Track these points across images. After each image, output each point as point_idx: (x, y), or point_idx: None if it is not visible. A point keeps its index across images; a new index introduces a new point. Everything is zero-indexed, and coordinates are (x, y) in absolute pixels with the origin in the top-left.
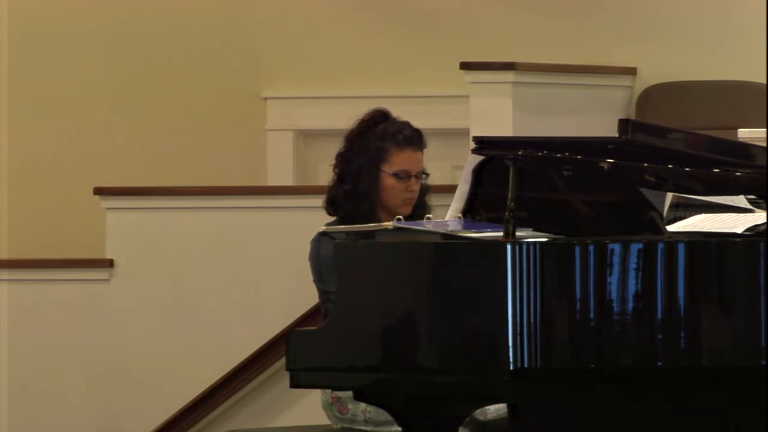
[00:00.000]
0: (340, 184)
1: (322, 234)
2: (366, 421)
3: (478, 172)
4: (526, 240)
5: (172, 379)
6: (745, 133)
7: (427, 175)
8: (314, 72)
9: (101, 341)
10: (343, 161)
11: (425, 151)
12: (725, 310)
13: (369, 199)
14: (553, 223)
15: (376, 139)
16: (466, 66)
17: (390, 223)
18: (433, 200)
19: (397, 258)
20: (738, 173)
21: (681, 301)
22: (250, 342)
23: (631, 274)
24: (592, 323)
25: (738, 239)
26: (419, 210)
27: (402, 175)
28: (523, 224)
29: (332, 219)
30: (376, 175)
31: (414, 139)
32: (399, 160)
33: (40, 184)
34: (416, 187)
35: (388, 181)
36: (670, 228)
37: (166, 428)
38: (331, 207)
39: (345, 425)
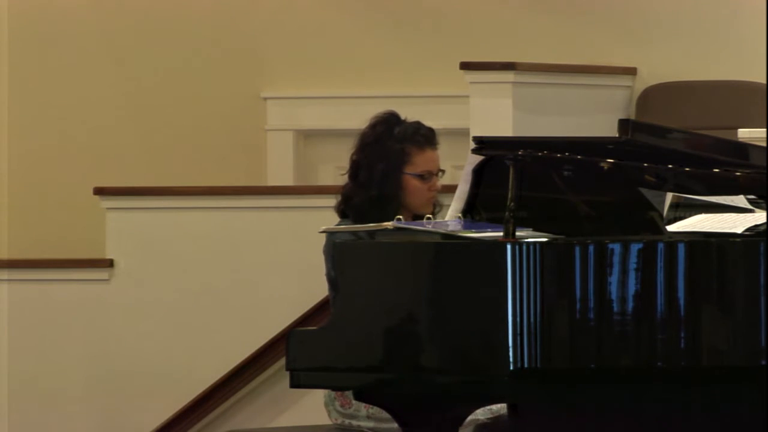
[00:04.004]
0: (363, 191)
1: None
2: (368, 417)
3: (478, 172)
4: (526, 240)
5: (172, 379)
6: (745, 133)
7: (443, 172)
8: (314, 72)
9: (101, 341)
10: (363, 168)
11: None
12: (725, 310)
13: (395, 202)
14: (553, 223)
15: (395, 142)
16: (466, 66)
17: (390, 223)
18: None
19: (397, 258)
20: (738, 173)
21: (681, 301)
22: (250, 342)
23: (631, 274)
24: (592, 323)
25: (738, 239)
26: (436, 208)
27: (426, 176)
28: (523, 224)
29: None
30: (400, 178)
31: (431, 138)
32: (422, 161)
33: (40, 184)
34: (438, 185)
35: (413, 182)
36: (670, 228)
37: (166, 428)
38: (357, 214)
39: (346, 420)
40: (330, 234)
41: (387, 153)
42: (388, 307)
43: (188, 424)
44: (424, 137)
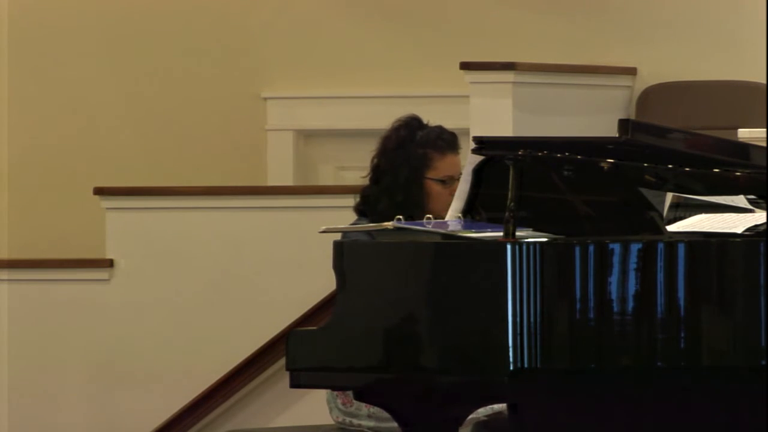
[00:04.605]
0: (387, 197)
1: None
2: (369, 416)
3: (478, 172)
4: (526, 240)
5: (172, 379)
6: (745, 133)
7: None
8: (314, 72)
9: (101, 341)
10: (387, 173)
11: None
12: (725, 310)
13: (419, 207)
14: (553, 223)
15: (417, 147)
16: (466, 66)
17: (390, 223)
18: None
19: (397, 258)
20: (738, 173)
21: (681, 301)
22: (250, 342)
23: (631, 274)
24: (592, 323)
25: (738, 239)
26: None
27: (447, 181)
28: (523, 224)
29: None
30: (422, 183)
31: (453, 142)
32: (444, 166)
33: (40, 184)
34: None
35: (435, 188)
36: (670, 228)
37: (166, 428)
38: (381, 219)
39: (347, 418)
40: (343, 234)
41: (410, 158)
42: (388, 307)
43: (188, 424)
44: (446, 142)
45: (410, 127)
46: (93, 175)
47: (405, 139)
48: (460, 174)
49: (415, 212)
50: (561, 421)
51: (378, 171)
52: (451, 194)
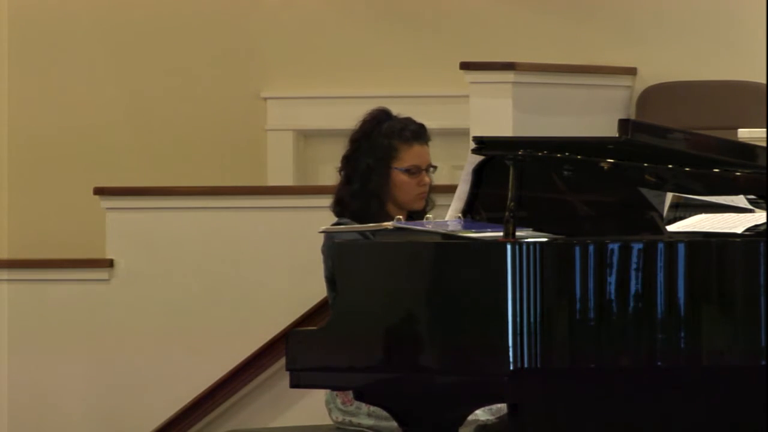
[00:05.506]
0: (347, 184)
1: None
2: (369, 415)
3: (478, 172)
4: (526, 240)
5: (172, 379)
6: (745, 133)
7: (435, 168)
8: (314, 72)
9: (101, 341)
10: (349, 162)
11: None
12: (725, 310)
13: (378, 197)
14: (553, 223)
15: (383, 138)
16: (466, 66)
17: (390, 223)
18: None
19: (397, 258)
20: (738, 173)
21: (681, 301)
22: (250, 342)
23: (631, 274)
24: (592, 323)
25: (738, 239)
26: (426, 205)
27: (414, 171)
28: (523, 224)
29: (335, 220)
30: (386, 173)
31: (420, 133)
32: (409, 156)
33: (40, 184)
34: (428, 181)
35: (401, 177)
36: (670, 228)
37: (167, 428)
38: (338, 207)
39: (347, 417)
40: (329, 234)
41: (374, 148)
42: (388, 307)
43: (188, 424)
44: (412, 132)
45: (377, 119)
46: (93, 175)
47: (371, 130)
48: (430, 165)
49: (374, 201)
50: (561, 421)
51: (344, 163)
52: (419, 185)
